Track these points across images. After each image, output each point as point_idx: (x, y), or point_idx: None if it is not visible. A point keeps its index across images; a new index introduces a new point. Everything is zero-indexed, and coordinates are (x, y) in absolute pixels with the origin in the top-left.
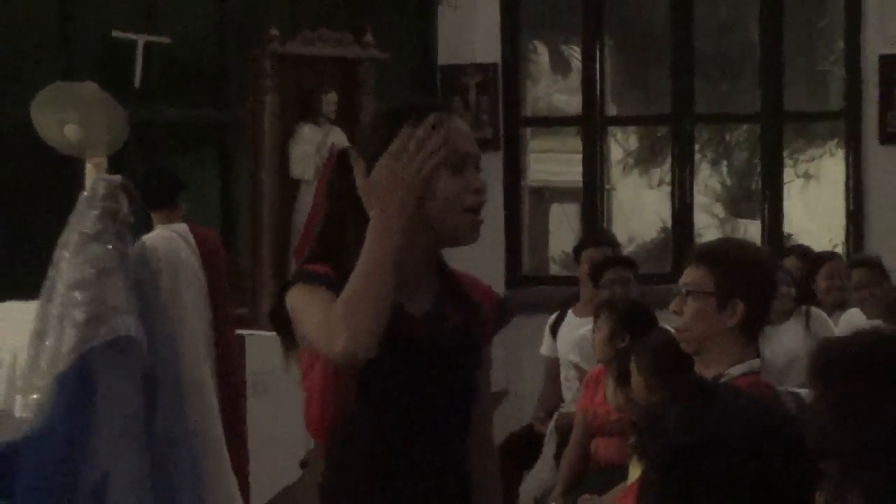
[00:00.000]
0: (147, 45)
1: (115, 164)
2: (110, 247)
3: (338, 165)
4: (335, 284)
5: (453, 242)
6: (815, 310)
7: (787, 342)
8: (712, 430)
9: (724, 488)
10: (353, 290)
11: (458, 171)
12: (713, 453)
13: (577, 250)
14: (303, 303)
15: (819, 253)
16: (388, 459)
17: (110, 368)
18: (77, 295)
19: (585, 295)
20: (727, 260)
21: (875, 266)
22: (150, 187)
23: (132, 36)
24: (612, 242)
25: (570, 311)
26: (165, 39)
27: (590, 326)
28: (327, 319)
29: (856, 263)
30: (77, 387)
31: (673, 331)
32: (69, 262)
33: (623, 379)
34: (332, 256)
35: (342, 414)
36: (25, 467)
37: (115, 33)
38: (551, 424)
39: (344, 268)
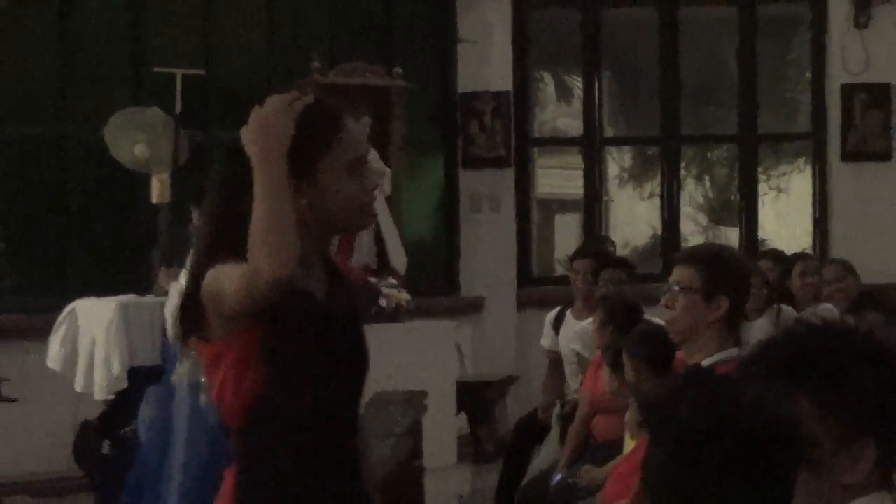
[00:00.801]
0: (206, 77)
1: (176, 180)
2: None
3: (231, 163)
4: None
5: (346, 231)
6: (785, 307)
7: (758, 336)
8: (721, 415)
9: (730, 470)
10: (259, 220)
11: (356, 173)
12: (722, 437)
13: (571, 260)
14: (220, 273)
15: (793, 254)
16: (304, 437)
17: None
18: None
19: (579, 299)
20: (713, 261)
21: (845, 265)
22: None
23: (171, 70)
24: (603, 251)
25: (568, 312)
26: (200, 72)
27: (589, 320)
28: (246, 265)
29: (829, 262)
30: None
31: (662, 323)
32: None
33: (616, 366)
34: (238, 252)
35: (257, 398)
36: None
37: (157, 69)
38: (556, 410)
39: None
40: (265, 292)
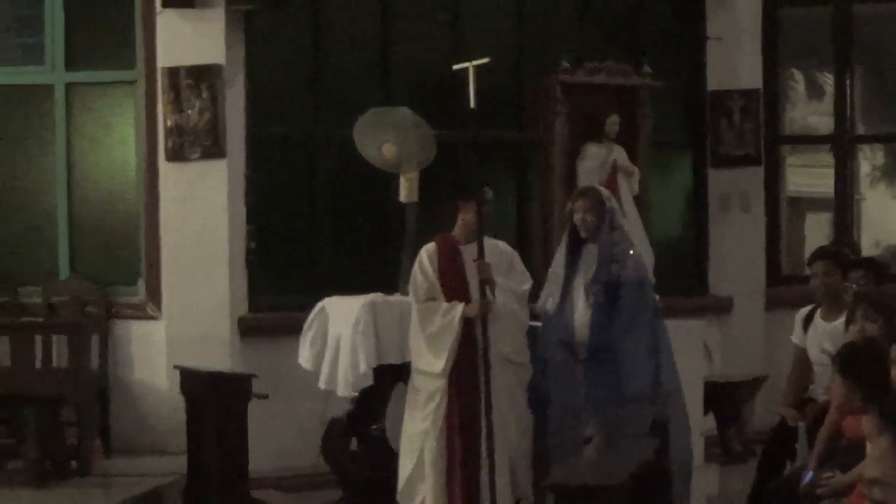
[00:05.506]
0: (451, 77)
1: (423, 178)
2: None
3: None
4: None
5: None
6: None
7: None
8: None
9: None
10: None
11: None
12: None
13: (808, 263)
14: None
15: None
16: None
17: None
18: None
19: (822, 301)
20: None
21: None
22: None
23: (465, 65)
24: (841, 252)
25: (817, 313)
26: (487, 60)
27: (840, 321)
28: None
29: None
30: None
31: None
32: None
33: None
34: None
35: None
36: None
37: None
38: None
39: None
40: None
